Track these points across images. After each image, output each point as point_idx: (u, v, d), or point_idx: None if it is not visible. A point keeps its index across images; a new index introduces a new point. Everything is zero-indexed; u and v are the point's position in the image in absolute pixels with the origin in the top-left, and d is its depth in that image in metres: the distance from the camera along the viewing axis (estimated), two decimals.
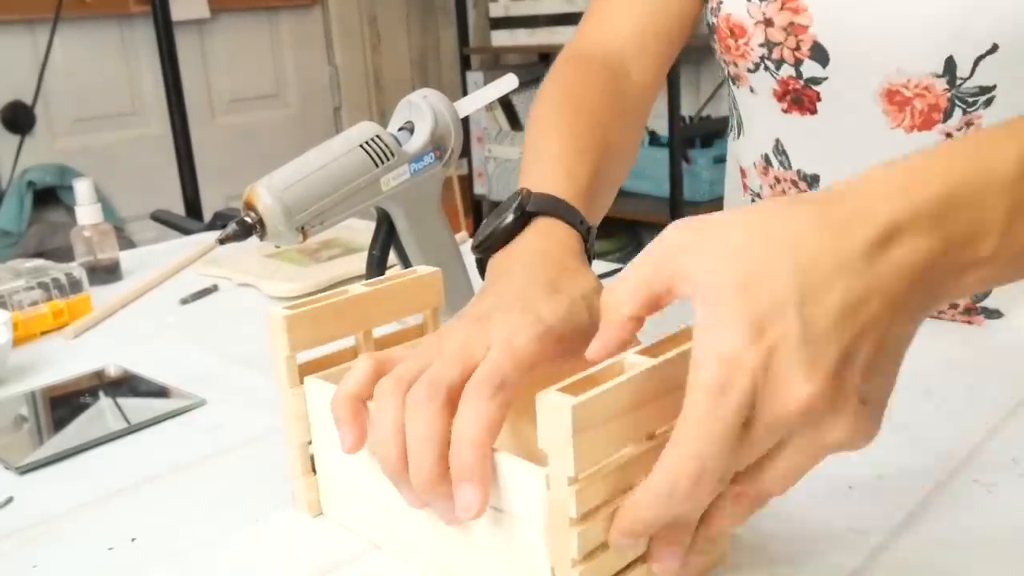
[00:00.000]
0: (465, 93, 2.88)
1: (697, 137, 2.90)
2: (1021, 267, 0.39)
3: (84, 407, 0.72)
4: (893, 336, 0.36)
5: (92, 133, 2.69)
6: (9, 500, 0.59)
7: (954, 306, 0.76)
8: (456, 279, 0.77)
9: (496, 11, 2.99)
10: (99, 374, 0.79)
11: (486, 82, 0.82)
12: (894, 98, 0.68)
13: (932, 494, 0.52)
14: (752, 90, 0.77)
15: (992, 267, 0.38)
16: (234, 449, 0.64)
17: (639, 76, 0.77)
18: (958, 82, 0.66)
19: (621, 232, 3.08)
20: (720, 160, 2.81)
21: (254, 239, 0.68)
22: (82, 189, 1.07)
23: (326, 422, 0.49)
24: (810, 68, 0.71)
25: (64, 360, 0.84)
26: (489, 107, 3.00)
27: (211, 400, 0.72)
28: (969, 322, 0.76)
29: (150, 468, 0.62)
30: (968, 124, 0.67)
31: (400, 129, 0.75)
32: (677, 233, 0.39)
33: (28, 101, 2.53)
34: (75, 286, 0.95)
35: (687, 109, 3.02)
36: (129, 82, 2.74)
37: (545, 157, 0.63)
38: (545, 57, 3.23)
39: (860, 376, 0.36)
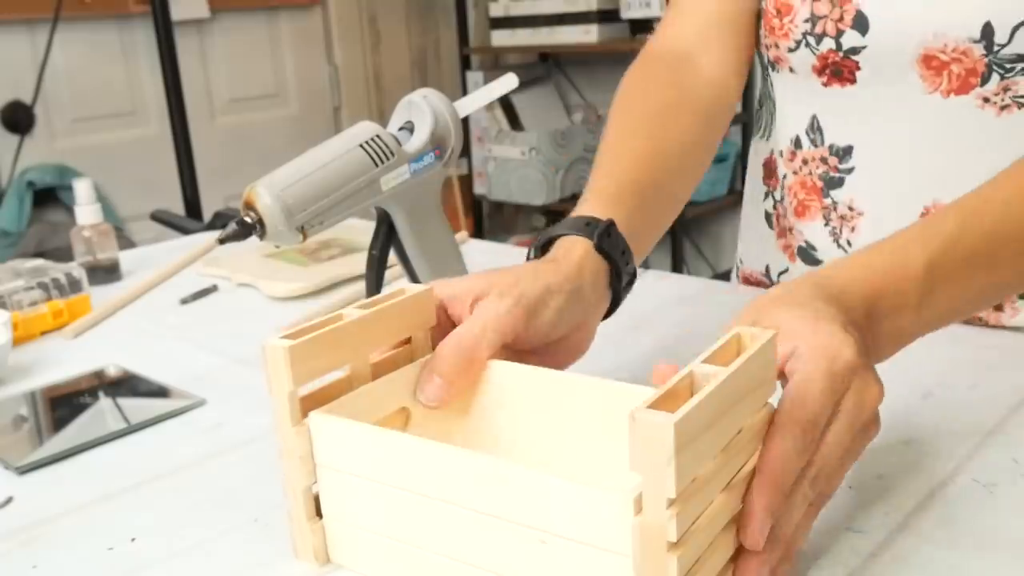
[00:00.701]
0: (465, 93, 2.88)
1: None
2: (934, 328, 0.54)
3: (84, 407, 0.72)
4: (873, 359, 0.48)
5: (92, 133, 2.69)
6: (9, 500, 0.59)
7: None
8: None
9: (496, 11, 2.99)
10: (99, 374, 0.79)
11: (486, 82, 0.82)
12: (931, 63, 0.69)
13: (932, 494, 0.52)
14: (792, 70, 0.78)
15: (912, 331, 0.52)
16: (234, 449, 0.64)
17: (709, 70, 0.79)
18: (995, 48, 0.66)
19: None
20: (721, 160, 2.81)
21: (254, 239, 0.68)
22: (82, 189, 1.07)
23: (334, 460, 0.46)
24: (850, 38, 0.71)
25: (64, 360, 0.84)
26: (489, 107, 3.00)
27: (211, 400, 0.72)
28: (1000, 305, 0.76)
29: (150, 468, 0.62)
30: (1005, 90, 0.67)
31: (400, 129, 0.75)
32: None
33: (28, 101, 2.53)
34: (75, 286, 0.95)
35: None
36: (129, 82, 2.74)
37: (594, 165, 0.70)
38: (545, 57, 3.23)
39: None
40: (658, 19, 2.80)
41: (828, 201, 0.78)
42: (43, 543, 0.54)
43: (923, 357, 0.70)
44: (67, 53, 2.59)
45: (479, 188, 3.20)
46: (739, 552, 0.41)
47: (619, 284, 0.61)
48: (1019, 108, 0.68)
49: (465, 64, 3.15)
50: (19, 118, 2.53)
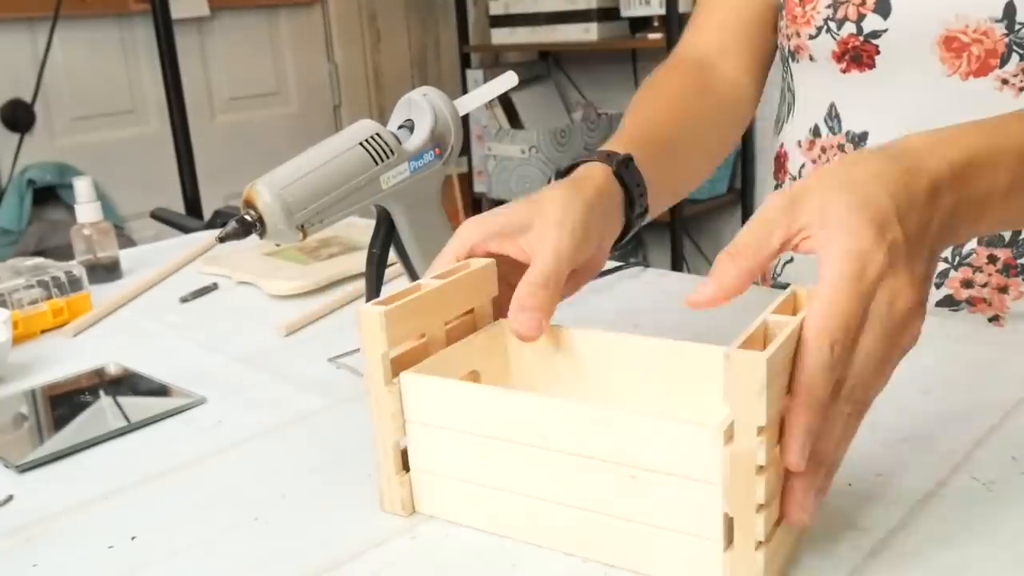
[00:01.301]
0: (465, 91, 2.88)
1: None
2: (1012, 223, 0.54)
3: (84, 405, 0.72)
4: (939, 250, 0.48)
5: (92, 131, 2.69)
6: (9, 499, 0.59)
7: (992, 261, 0.76)
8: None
9: (496, 9, 2.99)
10: (99, 372, 0.79)
11: (486, 80, 0.82)
12: (951, 45, 0.69)
13: (932, 492, 0.52)
14: (812, 58, 0.79)
15: (991, 221, 0.51)
16: (234, 447, 0.64)
17: (730, 72, 0.84)
18: (1017, 27, 0.66)
19: None
20: None
21: (254, 237, 0.68)
22: (82, 187, 1.07)
23: (426, 418, 0.50)
24: (871, 22, 0.73)
25: (64, 358, 0.84)
26: (489, 105, 3.00)
27: (211, 398, 0.72)
28: (1005, 287, 0.76)
29: (150, 466, 0.62)
30: None
31: (400, 127, 0.75)
32: (779, 196, 0.47)
33: (28, 99, 2.53)
34: (75, 284, 0.95)
35: None
36: (129, 80, 2.74)
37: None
38: (545, 55, 3.22)
39: (926, 274, 0.46)
40: (658, 17, 2.80)
41: None
42: (43, 541, 0.54)
43: (923, 354, 0.70)
44: (67, 51, 2.59)
45: (479, 186, 3.20)
46: (784, 475, 0.43)
47: (631, 213, 0.64)
48: None
49: (465, 62, 3.15)
50: (19, 116, 2.53)
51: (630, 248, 3.04)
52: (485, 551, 0.49)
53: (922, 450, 0.56)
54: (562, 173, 0.63)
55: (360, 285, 0.88)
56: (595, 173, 0.61)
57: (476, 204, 3.22)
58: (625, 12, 2.74)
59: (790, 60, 0.84)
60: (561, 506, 0.47)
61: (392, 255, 0.76)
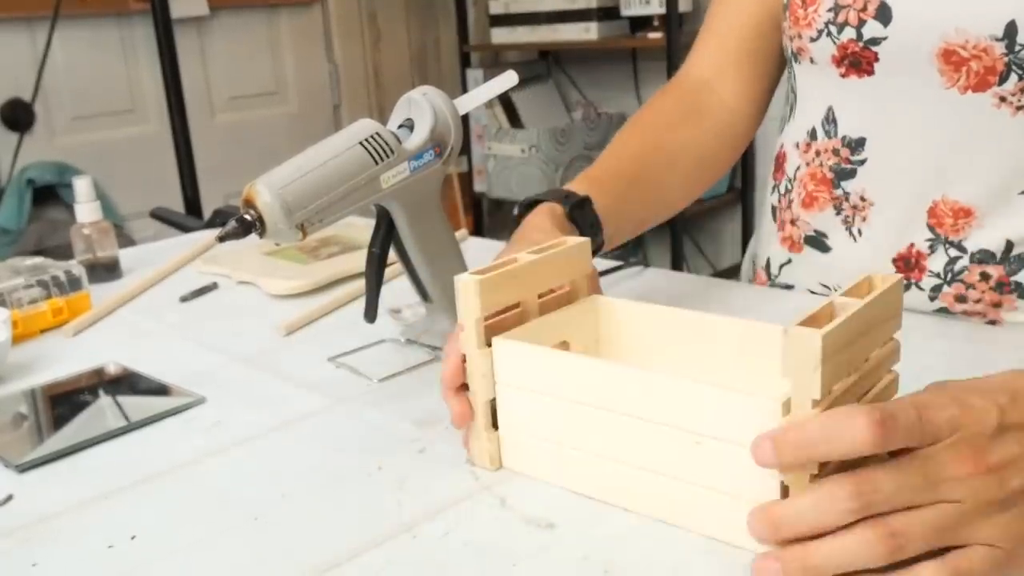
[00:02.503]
0: (465, 90, 2.87)
1: None
2: None
3: (84, 405, 0.72)
4: None
5: (91, 131, 2.69)
6: (9, 498, 0.59)
7: (985, 279, 0.76)
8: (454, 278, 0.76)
9: (496, 8, 2.99)
10: (99, 372, 0.79)
11: (486, 79, 0.82)
12: (950, 58, 0.69)
13: None
14: (812, 60, 0.79)
15: None
16: (234, 447, 0.64)
17: (728, 96, 0.88)
18: (1017, 48, 0.66)
19: None
20: None
21: (254, 237, 0.68)
22: (81, 187, 1.07)
23: (515, 380, 0.55)
24: (872, 28, 0.72)
25: (64, 358, 0.84)
26: (489, 104, 2.99)
27: (211, 398, 0.72)
28: (999, 303, 0.76)
29: (150, 466, 0.62)
30: (1023, 90, 0.68)
31: (400, 126, 0.75)
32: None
33: (27, 98, 2.53)
34: (74, 284, 0.95)
35: None
36: (128, 80, 2.74)
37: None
38: (545, 54, 3.22)
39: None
40: (658, 17, 2.80)
41: (839, 192, 0.80)
42: (43, 541, 0.54)
43: (922, 354, 0.70)
44: (67, 51, 2.59)
45: (479, 186, 3.20)
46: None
47: (577, 214, 0.72)
48: None
49: (465, 61, 3.15)
50: (19, 116, 2.53)
51: (630, 248, 3.04)
52: (485, 551, 0.49)
53: None
54: (523, 206, 0.72)
55: (360, 285, 0.88)
56: (554, 214, 0.70)
57: (476, 204, 3.22)
58: (625, 11, 2.74)
59: (793, 61, 0.84)
60: (631, 467, 0.51)
61: (392, 255, 0.76)
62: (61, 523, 0.56)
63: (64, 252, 1.10)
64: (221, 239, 0.67)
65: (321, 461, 0.61)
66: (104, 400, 0.73)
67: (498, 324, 0.57)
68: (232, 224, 0.67)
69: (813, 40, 0.77)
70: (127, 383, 0.77)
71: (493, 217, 3.39)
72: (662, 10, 2.54)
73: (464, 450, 0.60)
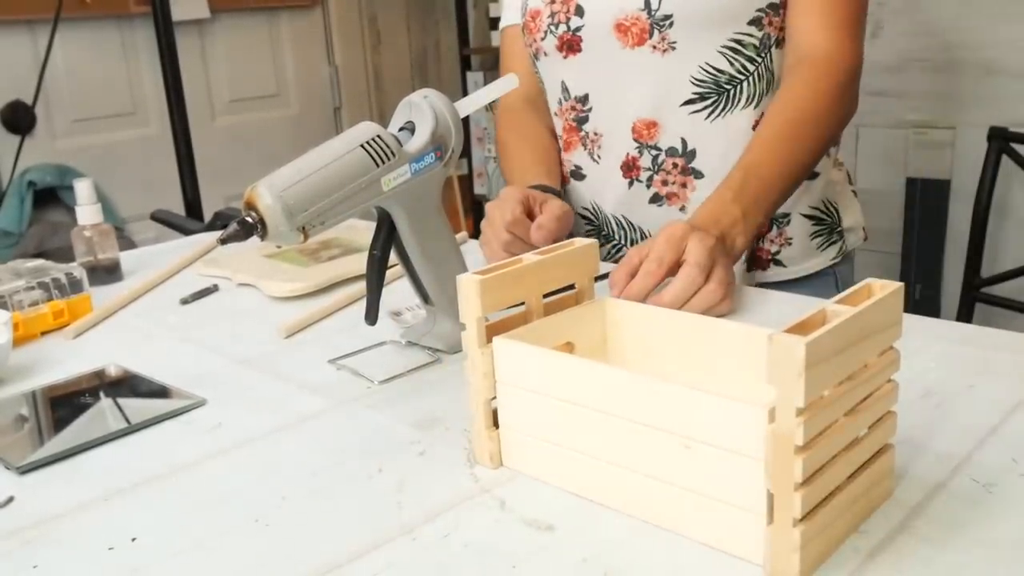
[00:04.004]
0: (465, 93, 2.88)
1: None
2: (761, 230, 1.02)
3: (84, 407, 0.72)
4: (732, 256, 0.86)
5: (92, 133, 2.69)
6: (10, 500, 0.59)
7: (675, 167, 1.08)
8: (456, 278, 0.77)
9: (496, 11, 2.99)
10: (99, 374, 0.79)
11: (486, 82, 0.82)
12: (620, 28, 1.02)
13: (931, 494, 0.52)
14: (545, 53, 1.12)
15: (744, 239, 0.88)
16: (234, 449, 0.64)
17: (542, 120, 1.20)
18: (653, 13, 1.00)
19: None
20: None
21: (255, 239, 0.68)
22: (82, 189, 1.07)
23: (513, 379, 0.55)
24: (574, 21, 1.06)
25: (64, 360, 0.84)
26: (489, 107, 3.00)
27: (211, 400, 0.72)
28: (685, 183, 1.07)
29: (150, 468, 0.62)
30: (663, 39, 1.00)
31: (401, 129, 0.75)
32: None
33: (28, 101, 2.53)
34: (75, 286, 0.95)
35: None
36: (129, 82, 2.74)
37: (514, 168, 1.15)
38: None
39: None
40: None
41: (582, 133, 1.11)
42: (44, 543, 0.54)
43: (922, 356, 0.70)
44: (68, 53, 2.59)
45: (479, 188, 3.20)
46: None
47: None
48: (672, 50, 1.01)
49: (465, 64, 3.15)
50: (20, 118, 2.53)
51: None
52: (485, 553, 0.50)
53: (922, 452, 0.56)
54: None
55: (361, 287, 0.88)
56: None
57: (476, 206, 3.22)
58: None
59: (534, 60, 1.14)
60: (625, 470, 0.51)
61: (393, 257, 0.76)
62: (62, 525, 0.56)
63: (65, 254, 1.10)
64: (223, 241, 0.67)
65: (321, 463, 0.61)
66: (105, 402, 0.73)
67: (502, 323, 0.57)
68: (234, 226, 0.67)
69: (542, 39, 1.09)
70: (128, 385, 0.77)
71: None
72: None
73: (464, 451, 0.60)
